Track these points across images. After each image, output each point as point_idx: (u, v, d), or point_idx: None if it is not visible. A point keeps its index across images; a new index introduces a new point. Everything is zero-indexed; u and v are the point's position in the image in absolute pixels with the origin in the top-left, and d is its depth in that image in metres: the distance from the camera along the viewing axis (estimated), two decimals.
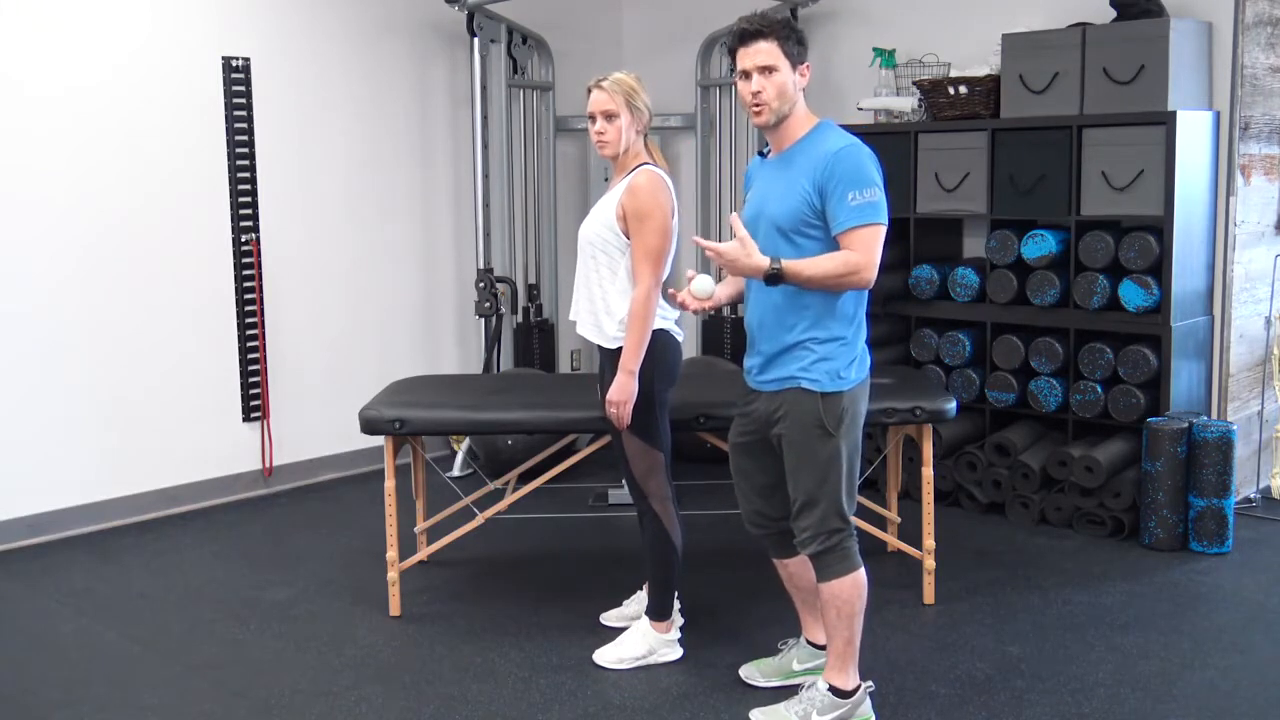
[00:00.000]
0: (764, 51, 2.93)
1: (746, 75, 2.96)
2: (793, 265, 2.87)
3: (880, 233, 2.90)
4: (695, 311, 3.05)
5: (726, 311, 6.24)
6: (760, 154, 3.18)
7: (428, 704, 3.29)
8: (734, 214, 3.03)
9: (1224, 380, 4.77)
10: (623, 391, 3.33)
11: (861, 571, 3.04)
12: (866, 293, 3.03)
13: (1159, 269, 4.47)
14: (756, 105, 2.96)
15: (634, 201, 3.32)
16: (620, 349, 3.35)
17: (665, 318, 3.40)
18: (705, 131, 6.28)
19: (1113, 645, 3.61)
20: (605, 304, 3.41)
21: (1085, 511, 4.63)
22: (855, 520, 3.08)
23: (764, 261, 2.86)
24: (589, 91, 3.42)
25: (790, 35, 2.95)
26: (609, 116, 3.38)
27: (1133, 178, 4.49)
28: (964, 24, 5.30)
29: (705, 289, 3.00)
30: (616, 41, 6.71)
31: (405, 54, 5.82)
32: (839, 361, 2.97)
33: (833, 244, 2.92)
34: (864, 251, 2.87)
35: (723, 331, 6.24)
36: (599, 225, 3.41)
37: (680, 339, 3.49)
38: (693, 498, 5.03)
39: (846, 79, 5.56)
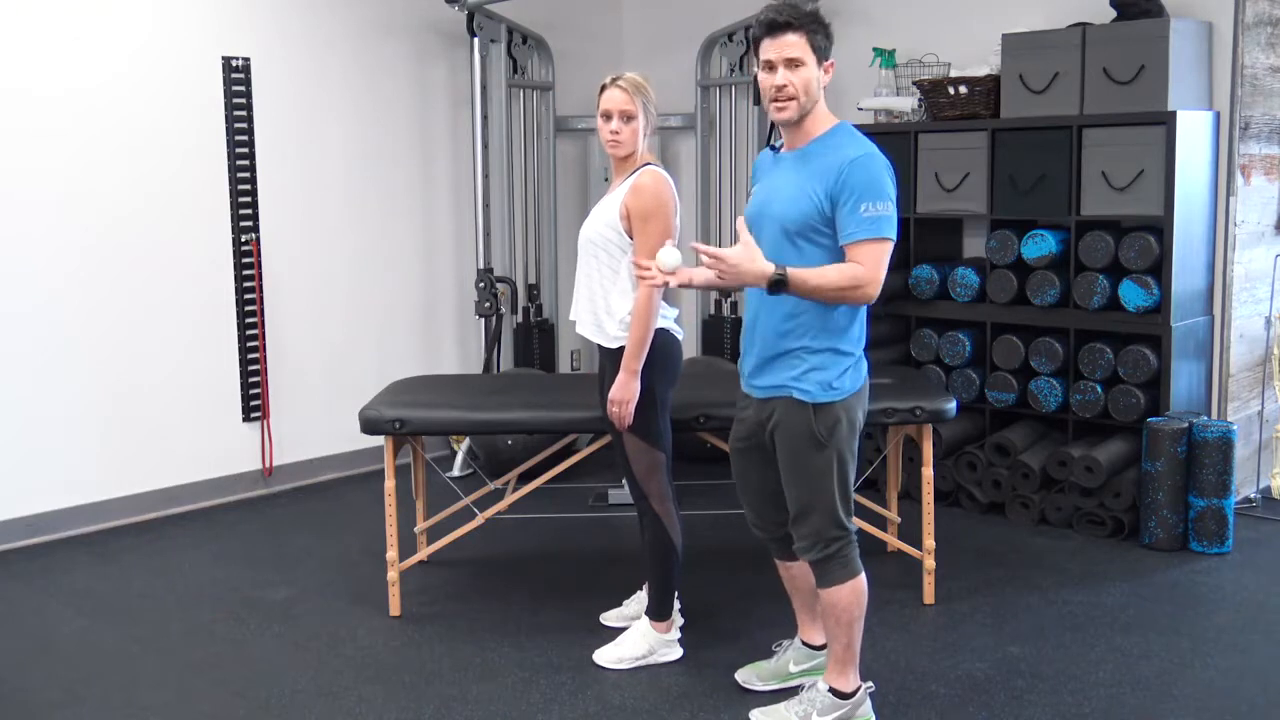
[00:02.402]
0: (792, 45, 2.81)
1: (771, 67, 2.83)
2: (797, 275, 2.75)
3: (887, 248, 2.81)
4: (657, 286, 2.87)
5: (727, 311, 6.25)
6: (771, 147, 3.04)
7: (428, 704, 3.29)
8: (741, 218, 2.88)
9: (1224, 380, 4.77)
10: (625, 391, 3.33)
11: (862, 578, 3.02)
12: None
13: (1159, 269, 4.47)
14: (780, 100, 2.84)
15: (638, 201, 3.31)
16: (621, 348, 3.35)
17: (665, 317, 3.40)
18: (705, 131, 6.28)
19: (1113, 645, 3.61)
20: (606, 303, 3.41)
21: (1085, 511, 4.62)
22: (856, 521, 3.07)
23: (768, 269, 2.75)
24: (603, 88, 3.38)
25: (819, 29, 2.85)
26: (627, 117, 3.35)
27: (1133, 178, 4.49)
28: (964, 24, 5.30)
29: (671, 261, 2.81)
30: (616, 41, 6.71)
31: (405, 54, 5.81)
32: (831, 371, 2.90)
33: (838, 251, 2.84)
34: (870, 266, 2.78)
35: (723, 331, 6.24)
36: (601, 225, 3.40)
37: (680, 338, 3.49)
38: (692, 498, 5.03)
39: (846, 79, 5.54)
